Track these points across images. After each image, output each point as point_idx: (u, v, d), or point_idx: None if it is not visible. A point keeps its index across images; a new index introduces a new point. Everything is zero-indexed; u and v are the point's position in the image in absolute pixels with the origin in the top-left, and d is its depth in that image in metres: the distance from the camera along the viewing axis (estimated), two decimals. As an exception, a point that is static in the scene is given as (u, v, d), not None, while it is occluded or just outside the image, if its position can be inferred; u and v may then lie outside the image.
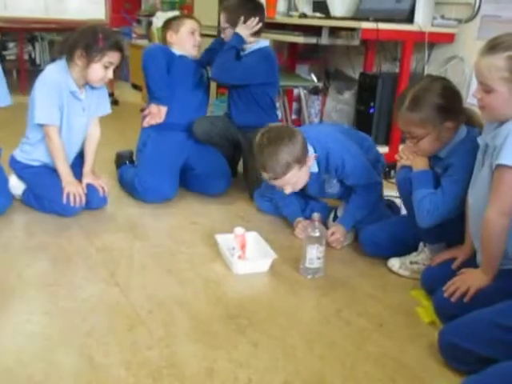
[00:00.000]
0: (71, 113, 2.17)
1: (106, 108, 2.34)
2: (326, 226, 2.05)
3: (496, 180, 1.34)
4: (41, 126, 2.14)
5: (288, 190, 1.91)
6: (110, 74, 2.11)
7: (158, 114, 2.43)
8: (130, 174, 2.46)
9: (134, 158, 2.64)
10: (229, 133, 2.52)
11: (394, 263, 1.88)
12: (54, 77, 2.09)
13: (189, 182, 2.55)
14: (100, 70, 2.08)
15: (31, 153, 2.25)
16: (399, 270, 1.86)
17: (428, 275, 1.66)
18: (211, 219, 2.28)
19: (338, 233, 2.01)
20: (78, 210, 2.14)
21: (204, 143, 2.51)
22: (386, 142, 2.95)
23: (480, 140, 1.47)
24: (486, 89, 1.34)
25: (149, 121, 2.44)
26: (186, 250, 1.98)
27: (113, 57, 2.07)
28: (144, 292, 1.65)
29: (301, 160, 1.85)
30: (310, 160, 1.91)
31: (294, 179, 1.88)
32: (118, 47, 2.08)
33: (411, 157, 1.71)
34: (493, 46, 1.31)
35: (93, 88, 2.22)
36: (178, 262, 1.88)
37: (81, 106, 2.20)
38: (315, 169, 1.98)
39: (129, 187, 2.44)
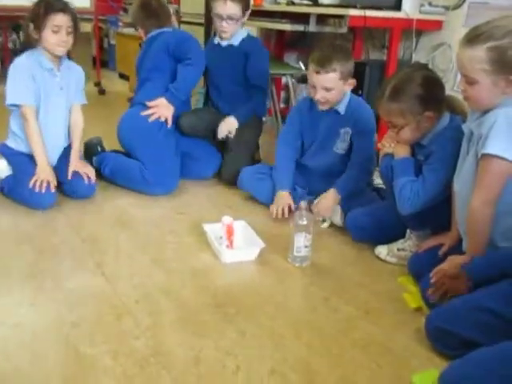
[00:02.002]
0: (49, 92, 2.18)
1: (83, 98, 2.36)
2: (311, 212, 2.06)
3: (481, 169, 1.35)
4: (17, 109, 2.14)
5: (319, 95, 2.00)
6: (63, 37, 2.11)
7: (167, 111, 2.38)
8: (127, 163, 2.40)
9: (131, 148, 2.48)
10: (215, 125, 2.54)
11: (382, 250, 1.88)
12: (23, 60, 2.12)
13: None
14: (50, 35, 2.09)
15: (16, 141, 2.26)
16: (386, 257, 1.87)
17: (415, 262, 1.67)
18: (199, 209, 2.28)
19: (327, 198, 2.04)
20: (48, 201, 2.11)
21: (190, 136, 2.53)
22: (374, 131, 2.93)
23: (465, 128, 1.48)
24: (468, 81, 1.34)
25: (155, 116, 2.38)
26: (174, 239, 1.98)
27: (56, 19, 2.07)
28: (131, 282, 1.65)
29: (345, 76, 1.98)
30: (350, 84, 2.03)
31: (331, 85, 1.97)
32: (60, 9, 2.08)
33: (393, 145, 1.73)
34: (473, 37, 1.30)
35: (69, 69, 2.25)
36: (165, 252, 1.87)
37: (58, 85, 2.21)
38: (342, 108, 2.07)
39: (127, 178, 2.38)
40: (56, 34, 2.09)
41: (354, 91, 2.84)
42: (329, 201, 2.05)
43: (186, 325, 1.44)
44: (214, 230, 1.90)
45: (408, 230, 1.84)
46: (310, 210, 1.86)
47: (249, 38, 2.58)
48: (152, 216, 2.18)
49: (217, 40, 2.61)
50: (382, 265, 1.85)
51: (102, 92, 4.74)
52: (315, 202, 2.05)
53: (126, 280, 1.66)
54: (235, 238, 1.86)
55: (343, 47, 2.07)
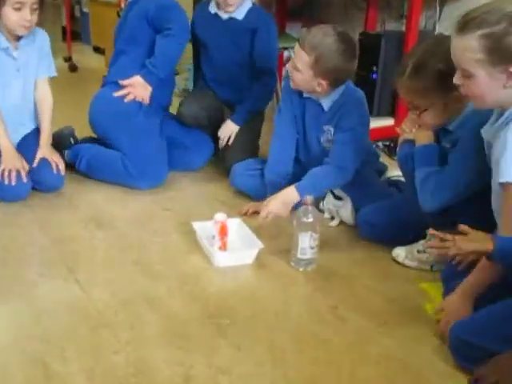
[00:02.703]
0: (5, 74, 2.18)
1: (50, 70, 2.33)
2: (319, 209, 2.10)
3: (502, 196, 1.36)
4: None
5: (290, 69, 2.04)
6: (26, 15, 2.10)
7: (143, 91, 2.37)
8: (106, 155, 2.40)
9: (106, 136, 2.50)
10: (217, 113, 2.56)
11: (399, 252, 1.89)
12: None
13: None
14: (11, 13, 2.09)
15: None
16: (405, 261, 1.88)
17: (449, 273, 1.61)
18: (187, 205, 2.28)
19: (277, 198, 2.02)
20: (22, 193, 2.12)
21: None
22: (391, 114, 2.96)
23: (483, 134, 1.47)
24: (465, 74, 1.35)
25: (130, 96, 2.37)
26: (158, 239, 1.98)
27: None
28: (109, 289, 1.65)
29: (318, 70, 1.96)
30: (320, 85, 2.01)
31: (299, 64, 1.99)
32: None
33: (414, 130, 1.72)
34: (464, 24, 1.31)
35: (28, 44, 2.23)
36: (149, 254, 1.88)
37: (15, 66, 2.21)
38: (327, 105, 2.09)
39: (107, 172, 2.39)
40: (18, 11, 2.08)
41: (368, 68, 2.86)
42: (278, 201, 2.03)
43: (172, 338, 1.44)
44: (204, 228, 1.90)
45: (430, 229, 1.83)
46: (316, 205, 1.88)
47: (255, 11, 2.48)
48: (133, 213, 2.19)
49: (213, 9, 2.51)
50: (399, 269, 1.86)
51: (73, 69, 4.70)
52: (266, 200, 2.05)
53: (104, 287, 1.66)
54: (229, 239, 1.86)
55: (343, 38, 1.98)
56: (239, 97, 2.52)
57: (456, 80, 1.38)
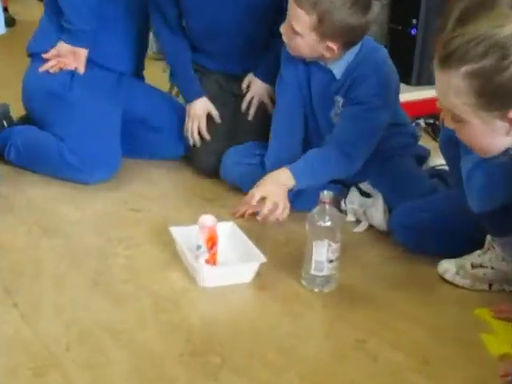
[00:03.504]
0: None
1: None
2: (339, 209, 2.11)
3: None
4: None
5: (285, 34, 2.03)
6: None
7: (73, 58, 2.41)
8: (41, 140, 2.44)
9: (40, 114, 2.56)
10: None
11: (448, 267, 1.88)
12: None
13: (129, 141, 2.54)
14: None
15: None
16: (455, 278, 1.87)
17: None
18: (163, 204, 2.29)
19: (267, 183, 2.07)
20: None
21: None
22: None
23: None
24: (455, 118, 1.37)
25: (55, 68, 2.41)
26: (125, 251, 1.98)
27: None
28: (59, 317, 1.64)
29: (323, 31, 1.97)
30: (328, 49, 2.01)
31: (297, 27, 1.98)
32: None
33: None
34: (446, 58, 1.33)
35: None
36: (113, 271, 1.87)
37: None
38: (339, 71, 2.10)
39: (41, 162, 2.42)
40: None
41: (405, 21, 2.89)
42: (267, 182, 2.08)
43: (145, 382, 1.43)
44: (186, 236, 1.90)
45: (488, 237, 1.83)
46: (336, 204, 1.90)
47: None
48: (89, 215, 2.20)
49: None
50: (447, 289, 1.85)
51: (10, 23, 4.66)
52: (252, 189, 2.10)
53: (52, 315, 1.64)
54: (220, 249, 1.86)
55: None
56: (251, 64, 2.52)
57: (447, 123, 1.41)
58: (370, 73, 2.06)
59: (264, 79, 2.47)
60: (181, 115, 2.56)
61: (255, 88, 2.47)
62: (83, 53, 2.39)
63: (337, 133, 2.10)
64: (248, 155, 2.36)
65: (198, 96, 2.45)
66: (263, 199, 2.04)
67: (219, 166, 2.38)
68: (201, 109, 2.44)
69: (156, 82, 2.75)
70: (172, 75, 2.61)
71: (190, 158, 2.56)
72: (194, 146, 2.49)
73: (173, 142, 2.59)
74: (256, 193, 2.05)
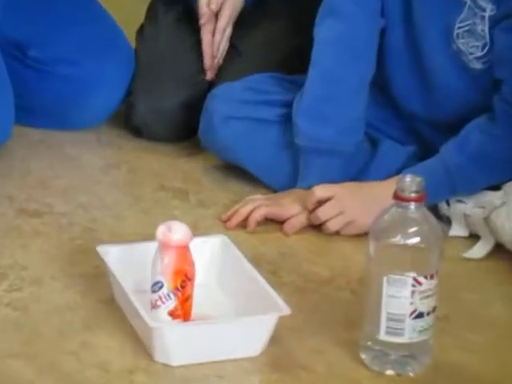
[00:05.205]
0: None
1: None
2: (436, 214, 1.63)
3: None
4: None
5: None
6: None
7: None
8: None
9: None
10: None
11: None
12: None
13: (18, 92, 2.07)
14: None
15: None
16: None
17: None
18: (85, 202, 1.82)
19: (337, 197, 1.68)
20: None
21: None
22: None
23: None
24: None
25: None
26: (10, 294, 1.49)
27: None
28: None
29: None
30: None
31: None
32: None
33: None
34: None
35: None
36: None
37: None
38: None
39: None
40: None
41: None
42: (356, 202, 1.69)
43: None
44: (130, 263, 1.44)
45: None
46: (429, 204, 1.41)
47: None
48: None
49: None
50: None
51: None
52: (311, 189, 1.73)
53: None
54: (199, 288, 1.39)
55: None
56: None
57: None
58: None
59: None
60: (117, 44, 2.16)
61: None
62: None
63: (499, 99, 1.64)
64: (254, 102, 1.85)
65: None
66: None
67: (193, 128, 1.96)
68: None
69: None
70: None
71: (131, 120, 2.07)
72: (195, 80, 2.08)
73: (94, 90, 2.10)
74: (326, 209, 1.64)
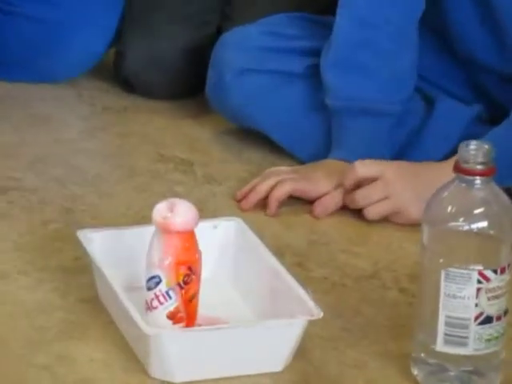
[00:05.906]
0: None
1: None
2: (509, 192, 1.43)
3: None
4: None
5: None
6: None
7: None
8: None
9: None
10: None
11: None
12: None
13: None
14: None
15: None
16: None
17: None
18: (64, 177, 1.68)
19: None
20: None
21: None
22: None
23: None
24: None
25: None
26: None
27: None
28: None
29: None
30: None
31: None
32: None
33: None
34: None
35: None
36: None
37: None
38: None
39: None
40: None
41: None
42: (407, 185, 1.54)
43: None
44: (119, 252, 1.31)
45: None
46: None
47: None
48: None
49: None
50: None
51: None
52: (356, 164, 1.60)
53: None
54: (206, 285, 1.25)
55: None
56: None
57: None
58: None
59: None
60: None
61: None
62: None
63: None
64: (272, 48, 1.72)
65: None
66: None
67: (199, 83, 1.82)
68: None
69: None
70: None
71: (121, 71, 1.93)
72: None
73: (73, 32, 1.97)
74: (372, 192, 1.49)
